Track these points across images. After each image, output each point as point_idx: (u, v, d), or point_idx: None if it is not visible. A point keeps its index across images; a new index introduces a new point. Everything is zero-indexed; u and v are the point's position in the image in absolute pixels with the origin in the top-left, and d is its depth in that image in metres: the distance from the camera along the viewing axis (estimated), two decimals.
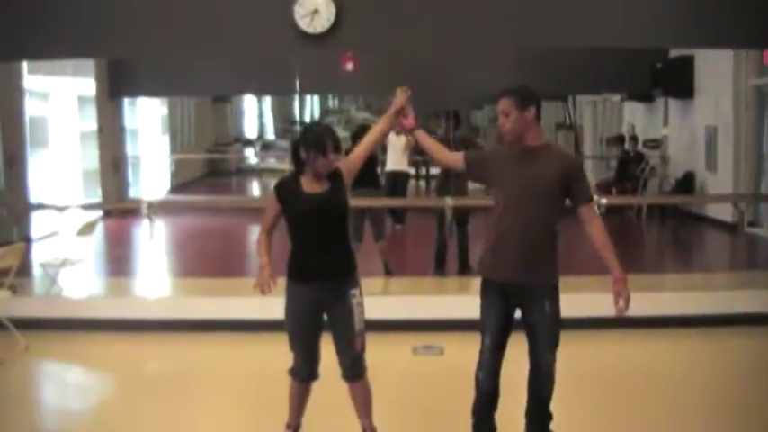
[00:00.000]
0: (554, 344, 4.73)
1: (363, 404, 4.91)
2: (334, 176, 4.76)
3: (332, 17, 6.95)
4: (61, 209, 10.16)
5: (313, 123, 6.13)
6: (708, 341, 7.34)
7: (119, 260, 11.86)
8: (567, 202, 4.73)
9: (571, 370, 5.20)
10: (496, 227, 4.74)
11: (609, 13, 7.54)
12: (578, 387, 6.02)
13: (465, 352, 5.03)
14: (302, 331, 4.81)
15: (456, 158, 4.94)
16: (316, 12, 6.94)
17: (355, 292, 4.78)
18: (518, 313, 4.79)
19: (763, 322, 7.57)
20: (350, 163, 4.89)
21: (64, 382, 6.77)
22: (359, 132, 8.95)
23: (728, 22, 7.56)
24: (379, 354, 5.11)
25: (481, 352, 4.79)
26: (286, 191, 4.76)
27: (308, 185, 4.73)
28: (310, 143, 4.67)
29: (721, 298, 8.18)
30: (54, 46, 7.78)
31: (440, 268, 9.65)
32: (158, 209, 13.20)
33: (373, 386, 4.98)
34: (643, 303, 6.75)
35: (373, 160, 11.22)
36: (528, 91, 4.73)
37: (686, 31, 7.81)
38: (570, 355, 4.99)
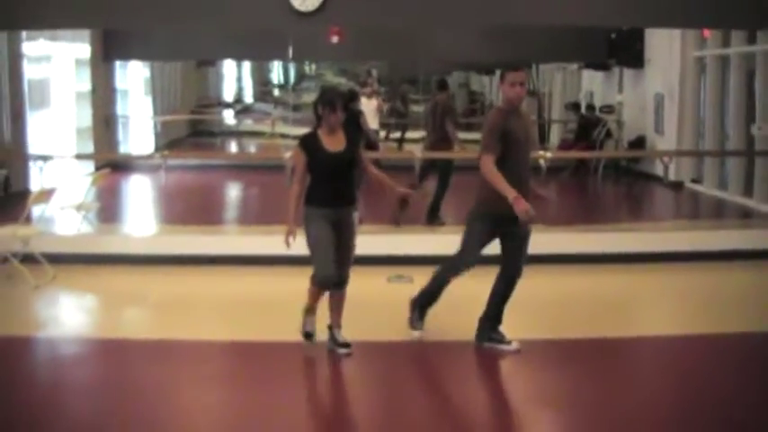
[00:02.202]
0: None
1: (338, 308, 6.30)
2: (353, 147, 6.20)
3: None
4: (80, 157, 11.15)
5: (327, 87, 7.60)
6: (646, 274, 8.86)
7: (123, 207, 13.23)
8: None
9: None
10: (504, 170, 6.04)
11: None
12: (543, 309, 7.54)
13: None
14: (327, 240, 6.11)
15: (489, 163, 6.09)
16: None
17: (356, 215, 6.27)
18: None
19: (688, 259, 9.10)
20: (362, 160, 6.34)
21: (85, 301, 8.09)
22: (351, 96, 10.38)
23: (675, 3, 8.81)
24: (359, 282, 6.50)
25: (465, 262, 6.31)
26: (310, 147, 6.14)
27: (328, 142, 6.13)
28: (325, 102, 6.10)
29: (653, 238, 9.86)
30: (52, 16, 8.87)
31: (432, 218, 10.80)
32: (148, 166, 14.68)
33: (354, 307, 6.37)
34: (597, 242, 8.75)
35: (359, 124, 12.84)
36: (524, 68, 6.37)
37: (636, 10, 9.05)
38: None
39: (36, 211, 8.87)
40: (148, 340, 6.86)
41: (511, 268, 6.33)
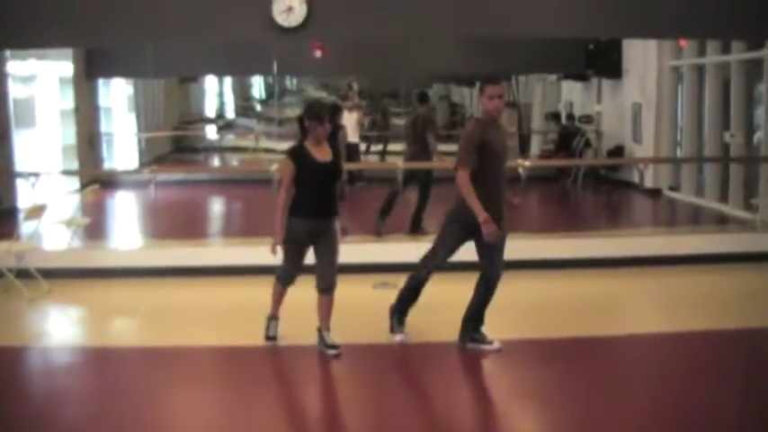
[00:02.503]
0: None
1: (327, 312, 6.54)
2: (338, 158, 6.51)
3: (304, 13, 8.37)
4: (69, 174, 11.30)
5: (313, 101, 7.77)
6: (624, 277, 9.16)
7: (112, 222, 13.48)
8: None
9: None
10: (483, 181, 6.32)
11: (545, 5, 8.99)
12: (525, 311, 7.84)
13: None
14: (299, 248, 6.48)
15: (465, 179, 6.36)
16: (290, 9, 8.36)
17: (337, 223, 6.51)
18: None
19: (665, 262, 9.38)
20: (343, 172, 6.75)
21: (80, 313, 8.29)
22: (334, 110, 10.79)
23: (651, 14, 9.03)
24: (346, 288, 6.76)
25: (435, 263, 6.66)
26: (299, 158, 6.37)
27: (317, 153, 6.38)
28: (312, 115, 6.34)
29: (631, 243, 10.15)
30: (35, 36, 8.93)
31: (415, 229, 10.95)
32: (133, 182, 14.89)
33: (342, 311, 6.62)
34: (577, 248, 9.27)
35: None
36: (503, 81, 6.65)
37: (614, 22, 9.25)
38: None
39: (27, 226, 9.01)
40: (140, 347, 7.11)
41: (490, 271, 6.55)
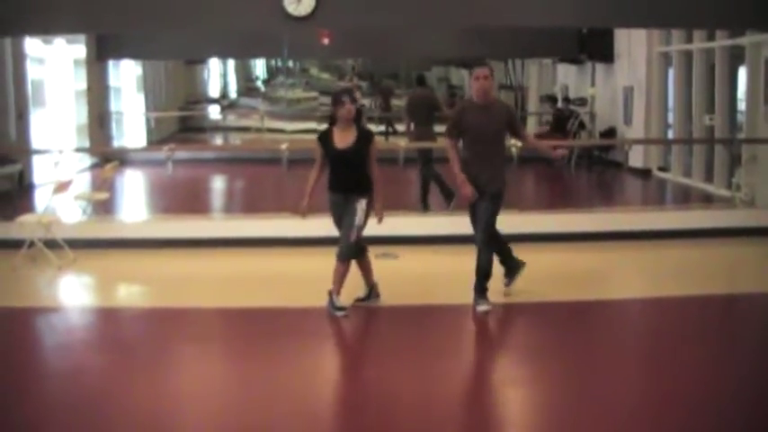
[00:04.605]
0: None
1: (337, 277, 7.21)
2: (364, 142, 7.13)
3: (312, 3, 9.02)
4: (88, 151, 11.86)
5: (336, 88, 8.62)
6: (614, 251, 9.80)
7: (131, 196, 14.32)
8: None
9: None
10: (471, 154, 7.17)
11: None
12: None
13: (413, 257, 7.44)
14: (334, 218, 7.30)
15: (448, 143, 7.29)
16: None
17: (362, 201, 7.17)
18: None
19: (651, 237, 10.10)
20: (371, 156, 7.21)
21: (104, 278, 8.97)
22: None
23: (638, 5, 9.62)
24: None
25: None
26: (324, 141, 7.21)
27: (339, 138, 7.13)
28: (333, 101, 7.19)
29: (620, 218, 10.98)
30: (49, 22, 9.57)
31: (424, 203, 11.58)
32: (143, 160, 15.58)
33: (346, 280, 7.27)
34: (571, 223, 10.20)
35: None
36: (489, 64, 7.38)
37: (604, 12, 9.83)
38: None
39: (49, 200, 9.66)
40: (160, 307, 7.87)
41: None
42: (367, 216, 7.23)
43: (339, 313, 7.16)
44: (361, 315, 7.35)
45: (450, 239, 9.21)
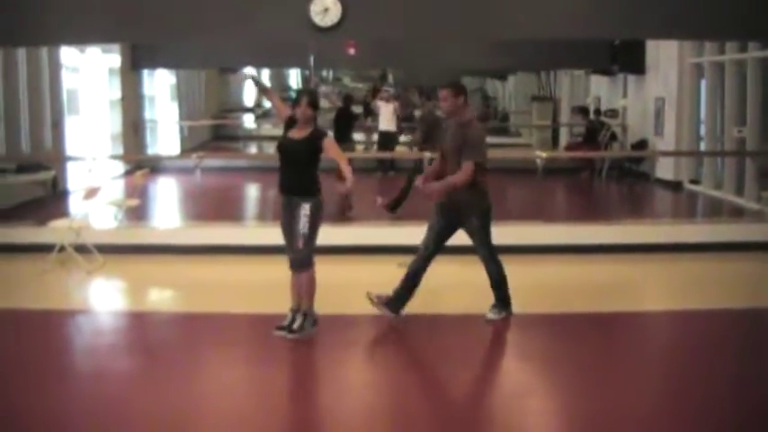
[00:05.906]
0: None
1: (300, 292, 6.94)
2: (315, 137, 6.79)
3: (339, 14, 9.07)
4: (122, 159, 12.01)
5: (302, 88, 8.53)
6: (641, 263, 9.76)
7: (157, 204, 14.47)
8: None
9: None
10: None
11: (567, 7, 9.52)
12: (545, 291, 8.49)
13: (432, 266, 7.38)
14: (283, 226, 7.05)
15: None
16: (326, 10, 9.06)
17: (306, 206, 6.79)
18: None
19: (681, 250, 10.06)
20: (327, 150, 6.85)
21: (132, 283, 9.11)
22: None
23: (674, 14, 9.49)
24: (372, 267, 7.49)
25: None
26: (285, 128, 6.97)
27: (296, 131, 6.85)
28: (293, 101, 6.97)
29: (650, 231, 10.85)
30: (84, 32, 9.68)
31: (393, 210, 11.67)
32: (177, 168, 15.77)
33: (369, 288, 7.32)
34: (598, 234, 10.18)
35: (351, 122, 15.48)
36: (459, 84, 7.41)
37: (636, 24, 9.69)
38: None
39: (81, 206, 9.82)
40: (187, 312, 7.97)
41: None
42: (315, 223, 6.87)
43: (278, 333, 6.93)
44: (387, 323, 7.40)
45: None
